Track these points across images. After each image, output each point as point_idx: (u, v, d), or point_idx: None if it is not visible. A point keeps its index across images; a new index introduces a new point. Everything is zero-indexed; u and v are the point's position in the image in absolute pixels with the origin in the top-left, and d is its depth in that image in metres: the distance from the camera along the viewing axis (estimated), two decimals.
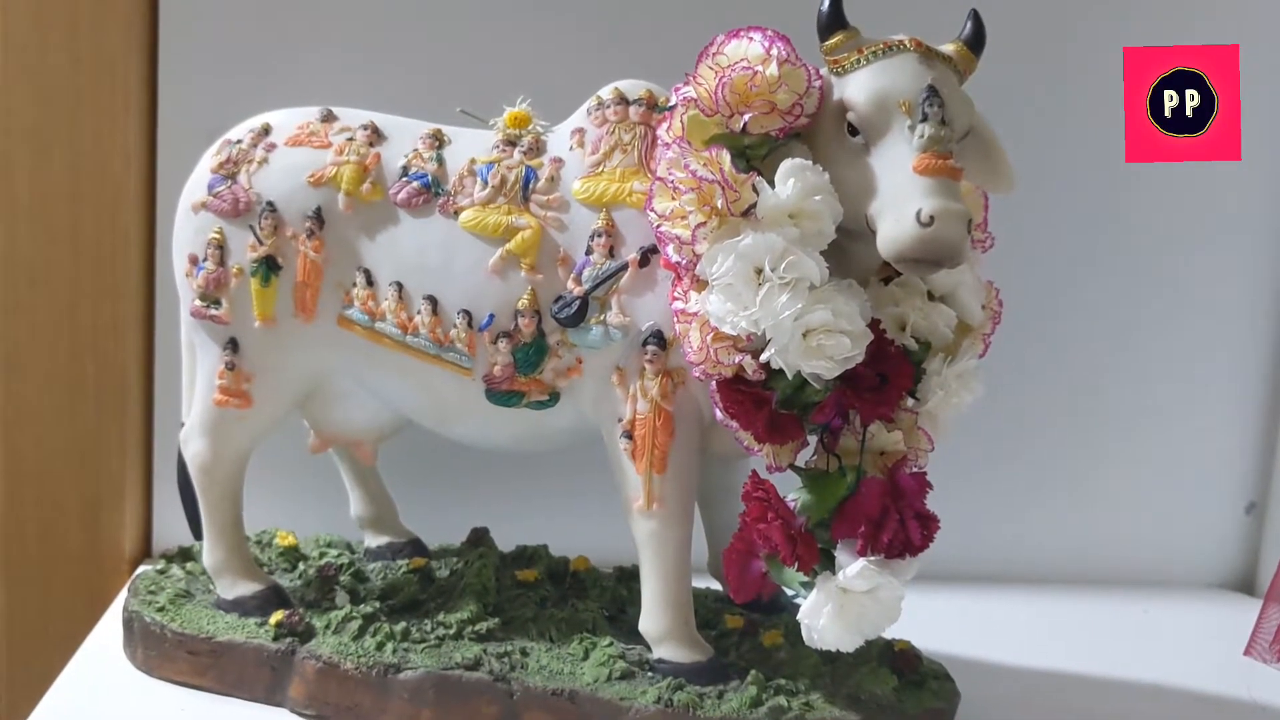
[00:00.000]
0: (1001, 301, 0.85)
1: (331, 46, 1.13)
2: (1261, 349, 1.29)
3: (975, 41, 0.78)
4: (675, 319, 0.78)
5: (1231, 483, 1.32)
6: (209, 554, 0.93)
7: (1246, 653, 0.93)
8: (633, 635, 0.90)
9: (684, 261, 0.76)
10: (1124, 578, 1.30)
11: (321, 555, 1.02)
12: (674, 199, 0.76)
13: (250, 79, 1.11)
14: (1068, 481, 1.29)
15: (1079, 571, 1.30)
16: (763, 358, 0.75)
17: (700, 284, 0.77)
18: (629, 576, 1.01)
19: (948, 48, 0.77)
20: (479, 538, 1.06)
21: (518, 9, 1.14)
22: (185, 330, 0.96)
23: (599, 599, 0.96)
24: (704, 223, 0.74)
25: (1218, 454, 1.31)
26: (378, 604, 0.92)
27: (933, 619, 0.92)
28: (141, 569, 1.07)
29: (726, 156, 0.74)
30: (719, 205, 0.74)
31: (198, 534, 0.97)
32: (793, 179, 0.74)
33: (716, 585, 0.98)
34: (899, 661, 0.88)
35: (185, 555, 1.02)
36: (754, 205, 0.74)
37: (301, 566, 1.00)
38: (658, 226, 0.77)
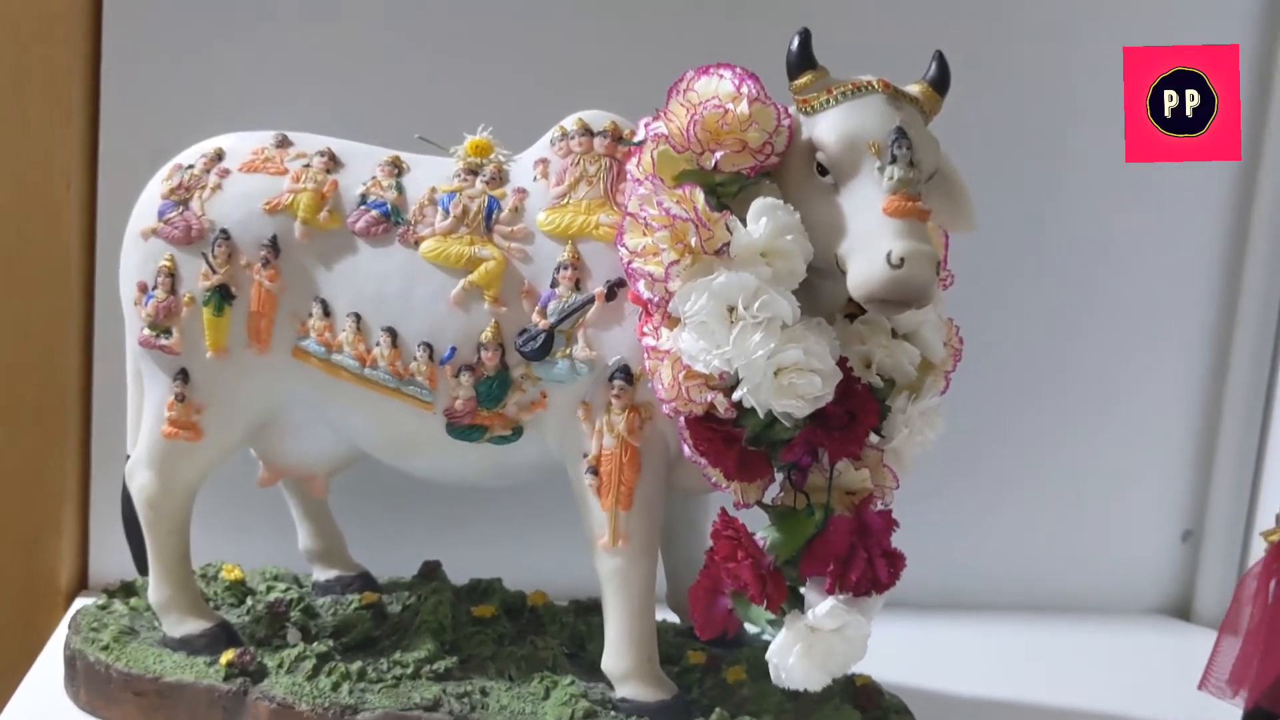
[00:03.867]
0: (962, 339, 0.85)
1: (279, 68, 1.10)
2: (1196, 378, 1.32)
3: (940, 82, 0.79)
4: (645, 355, 0.77)
5: (1168, 511, 1.35)
6: (155, 590, 0.90)
7: (1200, 687, 0.94)
8: (594, 672, 0.89)
9: (656, 298, 0.76)
10: (1062, 605, 1.32)
11: (269, 589, 1.00)
12: (646, 235, 0.75)
13: (195, 99, 1.09)
14: (1005, 510, 1.30)
15: (1017, 599, 1.31)
16: (735, 396, 0.74)
17: (672, 321, 0.76)
18: (587, 610, 1.00)
19: (913, 88, 0.78)
20: (430, 571, 1.04)
21: (473, 36, 1.13)
22: (131, 359, 0.93)
23: (558, 635, 0.94)
24: (677, 260, 0.74)
25: (1154, 482, 1.34)
26: (331, 642, 0.89)
27: (874, 647, 0.93)
28: (80, 603, 1.04)
29: (700, 195, 0.74)
30: (692, 243, 0.74)
31: (143, 569, 0.94)
32: (765, 218, 0.74)
33: (674, 618, 0.98)
34: (861, 697, 0.88)
35: (128, 590, 0.98)
36: (727, 244, 0.74)
37: (250, 602, 0.98)
38: (629, 262, 0.76)
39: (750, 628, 0.83)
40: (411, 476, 0.92)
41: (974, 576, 1.30)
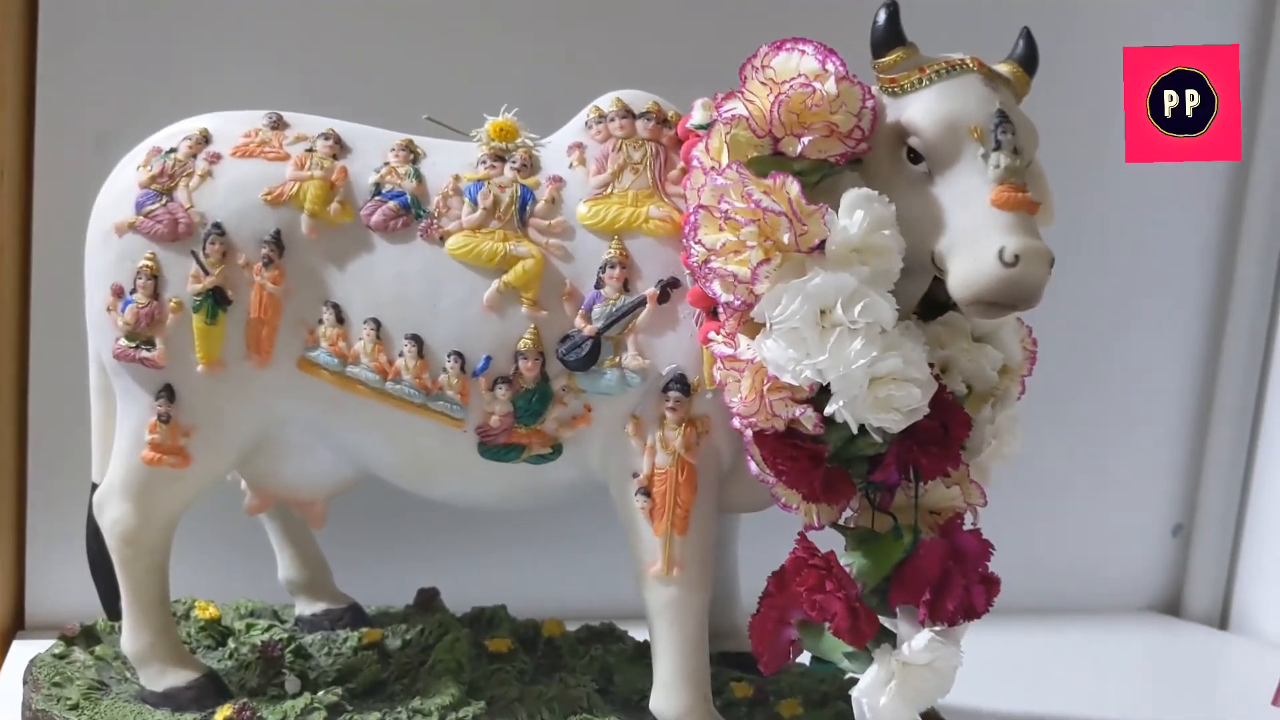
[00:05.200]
0: (1035, 341, 0.79)
1: (231, 39, 0.99)
2: (1187, 374, 1.30)
3: (1030, 61, 0.72)
4: (719, 365, 0.69)
5: (1158, 506, 1.33)
6: (132, 638, 0.79)
7: (1275, 703, 0.90)
8: (630, 710, 0.81)
9: (737, 301, 0.67)
10: (1053, 603, 1.28)
11: (249, 628, 0.88)
12: (725, 230, 0.67)
13: (141, 76, 0.97)
14: (994, 508, 1.25)
15: (1007, 598, 1.26)
16: (828, 410, 0.67)
17: (750, 327, 0.68)
18: (601, 636, 0.92)
19: (1002, 68, 0.71)
20: (428, 600, 0.94)
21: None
22: (97, 373, 0.81)
23: (587, 670, 0.86)
24: (766, 259, 0.65)
25: (1145, 478, 1.32)
26: (339, 690, 0.79)
27: None
28: (23, 648, 0.92)
29: (794, 185, 0.65)
30: (784, 240, 0.65)
31: (113, 613, 0.82)
32: (860, 211, 0.66)
33: None
34: None
35: (89, 635, 0.86)
36: (823, 241, 0.66)
37: (231, 644, 0.86)
38: (705, 261, 0.68)
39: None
40: (390, 491, 0.83)
41: None
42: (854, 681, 0.85)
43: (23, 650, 0.95)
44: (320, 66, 1.00)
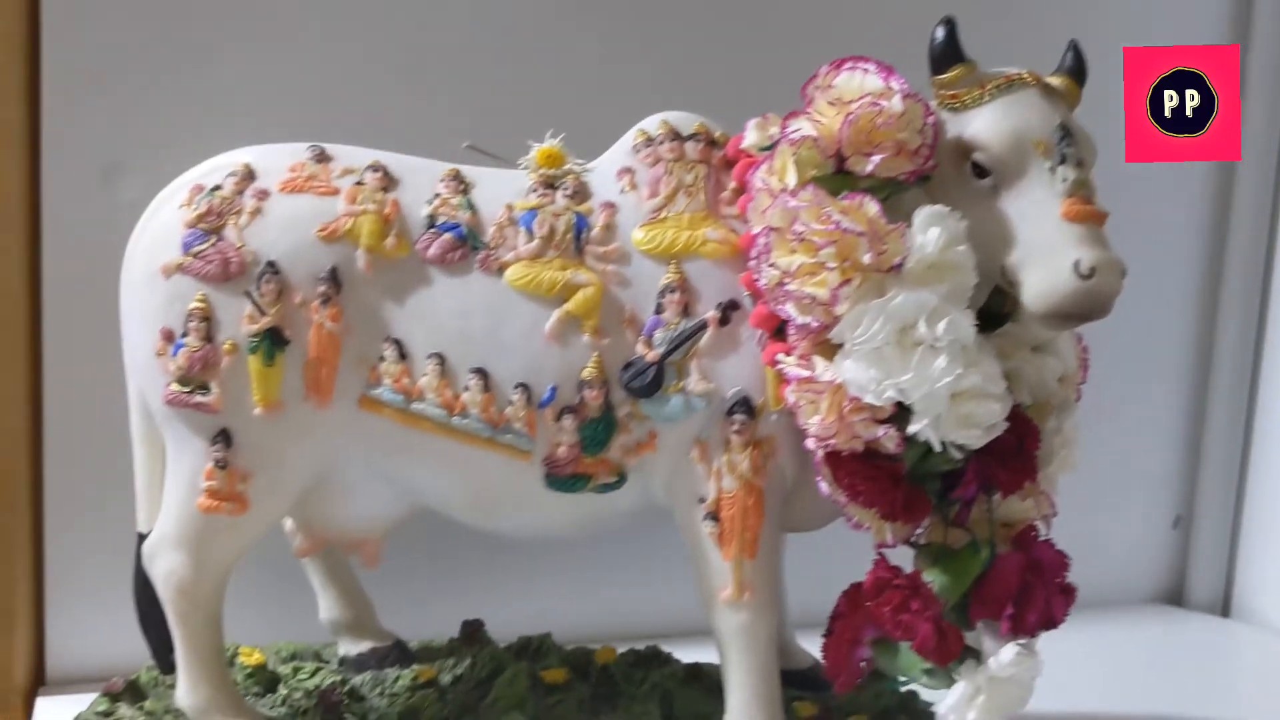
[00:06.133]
0: (1086, 348, 0.80)
1: (238, 70, 0.96)
2: (1185, 365, 1.32)
3: (1079, 73, 0.73)
4: (795, 388, 0.69)
5: (1158, 496, 1.34)
6: (190, 692, 0.76)
7: None
8: None
9: (815, 323, 0.67)
10: None
11: (296, 671, 0.86)
12: (798, 253, 0.67)
13: (146, 107, 0.94)
14: None
15: None
16: (910, 429, 0.67)
17: (826, 348, 0.68)
18: (648, 660, 0.91)
19: (1054, 81, 0.72)
20: (473, 633, 0.93)
21: (457, 41, 1.01)
22: (139, 420, 0.79)
23: (649, 697, 0.85)
24: (846, 280, 0.65)
25: (1144, 470, 1.33)
26: None
27: None
28: (45, 703, 0.91)
29: (873, 205, 0.65)
30: (865, 260, 0.65)
31: (166, 666, 0.80)
32: (936, 228, 0.66)
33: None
34: None
35: (135, 691, 0.83)
36: (901, 260, 0.66)
37: (283, 690, 0.84)
38: (778, 283, 0.67)
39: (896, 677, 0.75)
40: (420, 525, 0.81)
41: None
42: (913, 695, 0.86)
43: (49, 707, 0.92)
44: (329, 97, 0.97)
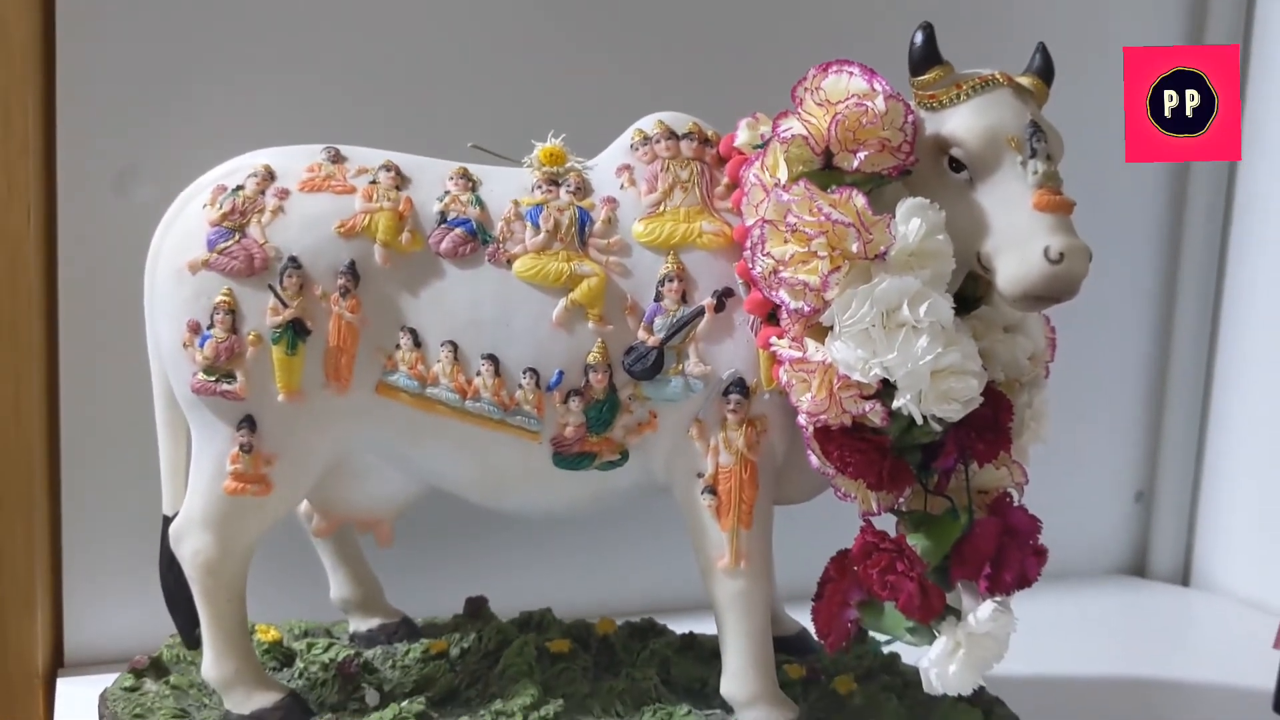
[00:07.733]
0: (1054, 328, 0.86)
1: (250, 75, 1.00)
2: (1145, 349, 1.38)
3: (1047, 73, 0.78)
4: (787, 368, 0.74)
5: (1120, 473, 1.40)
6: (217, 666, 0.80)
7: (1277, 645, 0.98)
8: (696, 698, 0.86)
9: (807, 308, 0.72)
10: None
11: (310, 647, 0.90)
12: (790, 242, 0.72)
13: (159, 111, 0.97)
14: None
15: None
16: (895, 404, 0.72)
17: (816, 331, 0.73)
18: (645, 631, 0.96)
19: (1024, 80, 0.77)
20: (477, 608, 0.97)
21: (469, 40, 1.06)
22: (164, 408, 0.83)
23: (648, 663, 0.90)
24: (836, 268, 0.71)
25: (1106, 445, 1.39)
26: (420, 699, 0.82)
27: None
28: (65, 684, 0.95)
29: (860, 198, 0.71)
30: (853, 249, 0.70)
31: (191, 642, 0.84)
32: (916, 218, 0.72)
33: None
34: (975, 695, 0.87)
35: (159, 667, 0.87)
36: (887, 248, 0.71)
37: (300, 664, 0.88)
38: (773, 271, 0.73)
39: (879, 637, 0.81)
40: (420, 505, 0.86)
41: None
42: (895, 656, 0.92)
43: (69, 688, 0.96)
44: (340, 99, 1.01)
